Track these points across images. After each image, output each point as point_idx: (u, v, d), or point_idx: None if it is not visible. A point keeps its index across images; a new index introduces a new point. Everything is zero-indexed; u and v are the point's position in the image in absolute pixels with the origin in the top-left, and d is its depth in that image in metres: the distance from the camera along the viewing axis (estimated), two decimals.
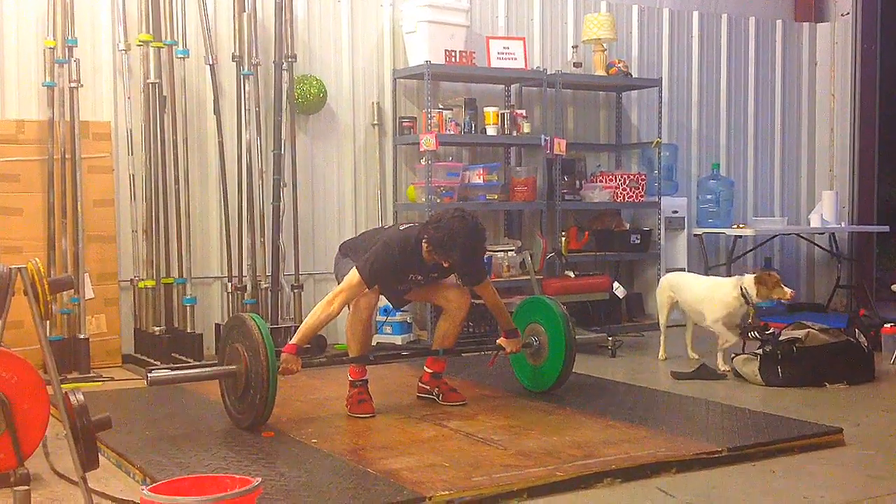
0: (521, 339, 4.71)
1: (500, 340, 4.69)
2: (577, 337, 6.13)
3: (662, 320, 5.96)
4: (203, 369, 4.39)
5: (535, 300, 5.00)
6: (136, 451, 3.65)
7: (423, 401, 4.58)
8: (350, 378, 4.40)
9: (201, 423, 4.25)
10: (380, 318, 6.37)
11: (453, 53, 6.51)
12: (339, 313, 4.27)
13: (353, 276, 4.24)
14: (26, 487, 2.94)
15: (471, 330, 6.44)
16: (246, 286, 6.07)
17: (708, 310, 5.53)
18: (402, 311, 6.36)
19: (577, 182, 7.18)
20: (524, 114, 6.85)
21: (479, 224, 4.22)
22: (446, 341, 4.55)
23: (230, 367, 4.09)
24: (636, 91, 7.70)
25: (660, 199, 7.34)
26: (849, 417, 4.30)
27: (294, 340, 4.20)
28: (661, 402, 4.64)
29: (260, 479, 2.57)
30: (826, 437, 3.91)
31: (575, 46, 7.34)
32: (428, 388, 4.59)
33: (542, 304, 4.85)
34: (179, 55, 5.90)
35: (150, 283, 5.75)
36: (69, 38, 5.57)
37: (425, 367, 4.63)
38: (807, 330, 5.16)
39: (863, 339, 5.29)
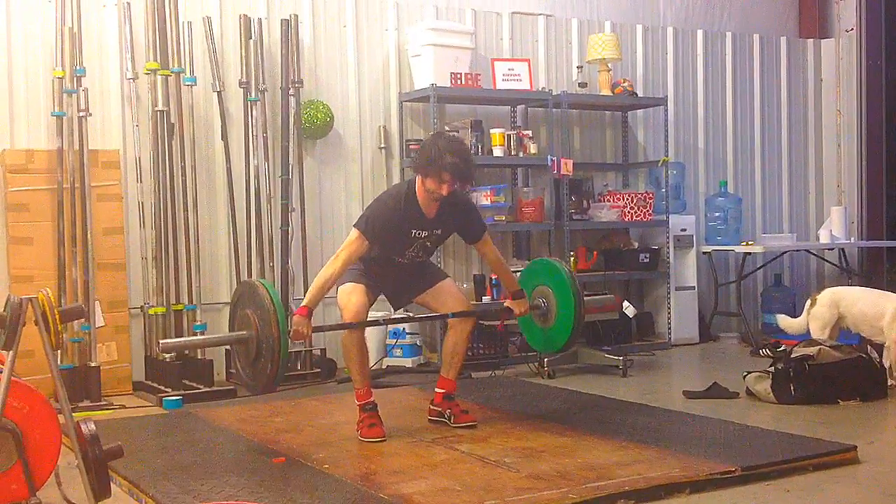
0: (527, 300, 4.68)
1: (508, 302, 4.67)
2: (590, 361, 6.20)
3: (825, 338, 5.54)
4: (214, 335, 4.36)
5: (541, 262, 4.98)
6: (148, 480, 3.65)
7: (434, 424, 4.56)
8: (358, 402, 4.38)
9: (213, 450, 4.24)
10: (389, 340, 6.40)
11: (459, 76, 6.54)
12: (342, 271, 4.26)
13: (351, 233, 4.29)
14: None
15: (480, 352, 6.43)
16: None
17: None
18: (412, 332, 6.38)
19: (585, 202, 7.18)
20: (530, 134, 6.87)
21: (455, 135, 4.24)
22: (455, 357, 4.52)
23: (241, 332, 4.08)
24: (642, 110, 7.71)
25: (668, 217, 7.34)
26: (863, 434, 4.27)
27: (305, 303, 4.22)
28: (673, 422, 4.61)
29: None
30: (840, 454, 3.88)
31: (580, 67, 7.37)
32: (439, 409, 4.56)
33: (547, 265, 4.83)
34: (187, 83, 5.94)
35: (160, 310, 5.76)
36: (77, 67, 5.61)
37: (436, 389, 4.61)
38: (819, 346, 5.13)
39: (875, 354, 5.26)
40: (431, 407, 4.61)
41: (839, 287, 6.14)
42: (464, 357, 4.59)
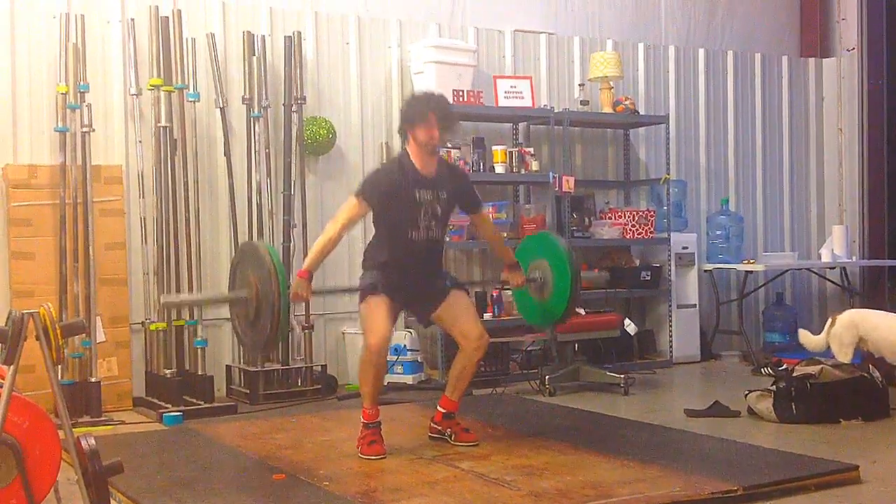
0: (523, 273, 4.70)
1: (504, 275, 4.72)
2: (591, 378, 6.19)
3: (847, 360, 5.52)
4: (217, 293, 4.46)
5: (538, 236, 5.01)
6: (147, 496, 3.64)
7: (434, 441, 4.54)
8: (363, 420, 4.37)
9: (213, 466, 4.24)
10: (391, 357, 6.37)
11: (461, 93, 6.56)
12: (341, 235, 4.31)
13: (349, 200, 4.35)
14: None
15: (482, 369, 6.40)
16: None
17: None
18: (413, 349, 6.37)
19: (586, 219, 7.19)
20: (532, 152, 6.88)
21: None
22: (461, 381, 4.51)
23: (241, 291, 4.11)
24: (643, 128, 7.73)
25: (669, 235, 7.34)
26: (865, 454, 4.26)
27: (305, 266, 4.27)
28: (675, 441, 4.60)
29: None
30: (842, 474, 3.86)
31: (582, 84, 7.39)
32: (440, 428, 4.55)
33: (544, 239, 4.87)
34: (190, 98, 5.96)
35: (161, 326, 5.76)
36: (81, 83, 5.63)
37: (438, 407, 4.59)
38: (821, 366, 5.12)
39: (877, 374, 5.24)
40: (432, 424, 4.60)
41: (860, 310, 6.09)
42: (470, 381, 4.57)
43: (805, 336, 6.00)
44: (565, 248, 4.70)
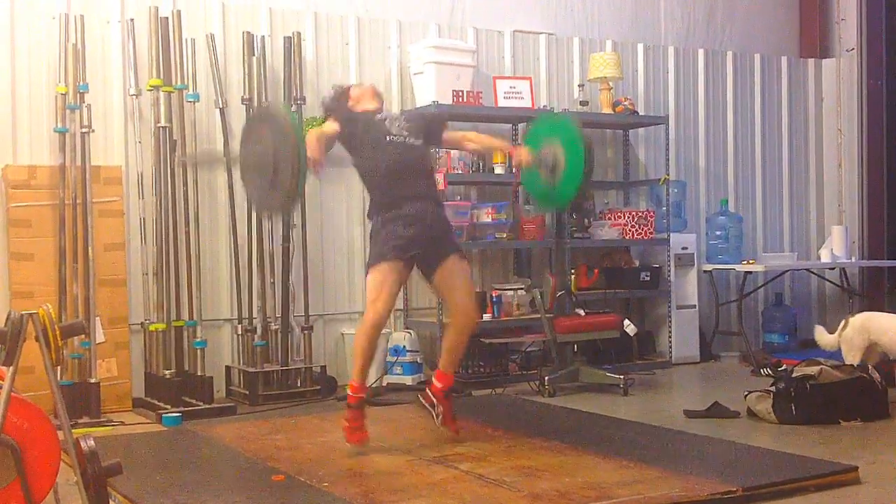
0: (530, 151, 4.58)
1: (514, 157, 4.64)
2: (590, 379, 6.19)
3: (856, 362, 5.52)
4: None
5: (549, 118, 4.92)
6: (147, 497, 3.63)
7: (433, 441, 4.51)
8: (348, 402, 4.42)
9: (212, 467, 4.23)
10: (390, 358, 6.39)
11: (460, 93, 6.56)
12: (323, 133, 4.41)
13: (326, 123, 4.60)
14: None
15: (481, 370, 6.42)
16: (256, 328, 6.07)
17: None
18: (412, 350, 6.37)
19: (586, 220, 7.18)
20: None
21: None
22: (453, 354, 4.54)
23: (258, 149, 4.12)
24: (643, 128, 7.73)
25: (669, 235, 7.34)
26: (864, 455, 4.25)
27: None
28: (674, 442, 4.60)
29: None
30: (842, 475, 3.86)
31: (581, 85, 7.39)
32: (434, 401, 4.55)
33: (555, 120, 4.82)
34: (189, 99, 5.95)
35: (160, 327, 5.75)
36: (81, 83, 5.63)
37: (434, 380, 4.59)
38: (820, 367, 5.12)
39: (876, 375, 5.25)
40: (427, 392, 4.59)
41: (872, 313, 6.05)
42: (462, 353, 4.61)
43: (820, 333, 6.00)
44: (578, 128, 4.53)
